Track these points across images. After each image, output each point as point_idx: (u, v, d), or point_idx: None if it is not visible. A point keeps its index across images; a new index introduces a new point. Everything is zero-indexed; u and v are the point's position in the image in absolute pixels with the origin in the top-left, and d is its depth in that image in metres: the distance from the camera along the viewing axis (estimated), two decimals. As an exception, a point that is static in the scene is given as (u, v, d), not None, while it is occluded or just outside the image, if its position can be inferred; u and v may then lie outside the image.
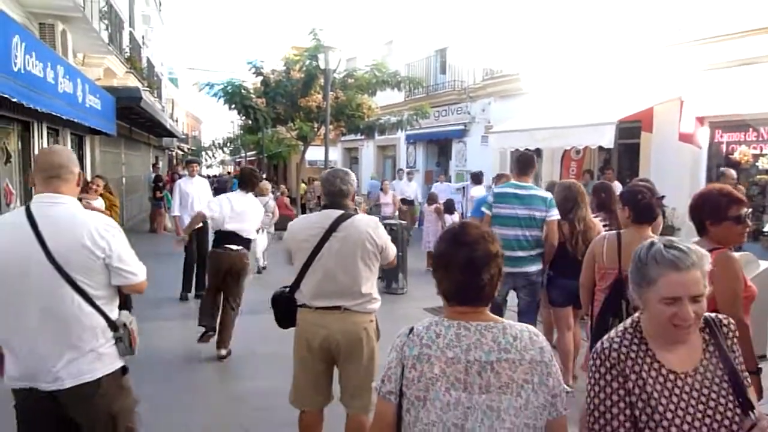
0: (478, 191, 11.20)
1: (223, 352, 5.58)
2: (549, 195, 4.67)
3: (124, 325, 2.46)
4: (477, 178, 11.80)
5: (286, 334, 6.15)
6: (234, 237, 5.57)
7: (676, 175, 9.61)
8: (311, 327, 3.10)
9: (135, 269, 2.44)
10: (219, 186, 22.35)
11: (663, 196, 3.93)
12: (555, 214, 4.53)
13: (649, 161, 10.64)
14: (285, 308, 3.22)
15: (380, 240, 3.12)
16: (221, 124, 46.69)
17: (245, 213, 5.61)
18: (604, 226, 4.73)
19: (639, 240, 3.14)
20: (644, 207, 3.21)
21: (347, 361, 3.11)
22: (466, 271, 1.57)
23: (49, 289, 2.25)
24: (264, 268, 10.39)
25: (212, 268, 5.75)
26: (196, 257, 7.79)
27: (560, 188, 4.72)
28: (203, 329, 5.74)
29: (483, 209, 4.80)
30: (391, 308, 6.76)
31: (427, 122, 17.13)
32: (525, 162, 4.88)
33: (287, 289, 3.23)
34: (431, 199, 10.85)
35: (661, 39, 10.15)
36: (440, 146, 19.03)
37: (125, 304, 2.71)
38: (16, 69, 5.22)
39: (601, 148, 10.76)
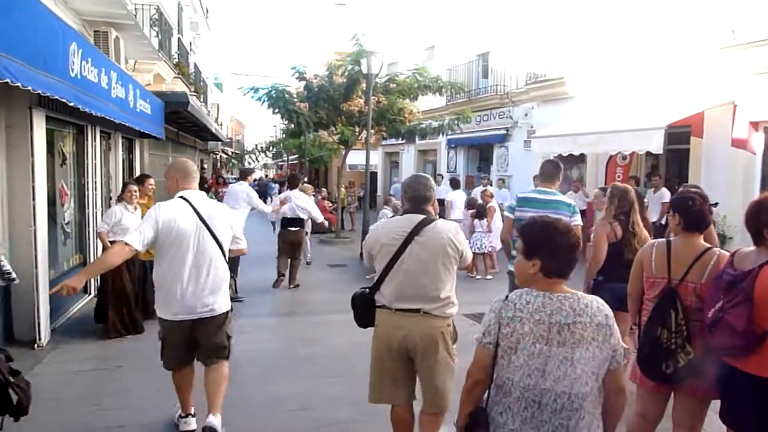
0: (455, 196, 12.13)
1: (291, 285, 9.02)
2: (573, 201, 4.80)
3: (231, 276, 3.98)
4: (455, 183, 12.67)
5: (325, 336, 6.31)
6: (295, 221, 9.10)
7: (728, 183, 9.30)
8: (390, 328, 3.20)
9: (244, 240, 4.12)
10: (260, 189, 22.70)
11: (716, 204, 3.80)
12: (578, 221, 4.62)
13: (699, 168, 10.32)
14: (364, 308, 3.32)
15: (461, 245, 3.22)
16: (264, 128, 47.45)
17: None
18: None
19: (691, 249, 3.07)
20: (696, 214, 3.11)
21: (424, 363, 3.20)
22: (562, 252, 2.04)
23: (209, 249, 3.67)
24: (309, 263, 11.44)
25: (283, 242, 9.12)
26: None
27: (617, 190, 4.67)
28: (280, 278, 9.09)
29: (506, 213, 4.94)
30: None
31: (468, 127, 17.04)
32: (550, 169, 4.93)
33: (367, 290, 3.34)
34: (470, 204, 10.79)
35: (713, 41, 9.84)
36: (481, 151, 18.91)
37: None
38: (73, 74, 5.42)
39: (648, 153, 10.49)
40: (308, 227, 10.97)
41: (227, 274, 3.84)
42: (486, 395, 2.14)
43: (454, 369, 3.24)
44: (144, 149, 13.00)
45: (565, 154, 11.30)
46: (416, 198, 3.26)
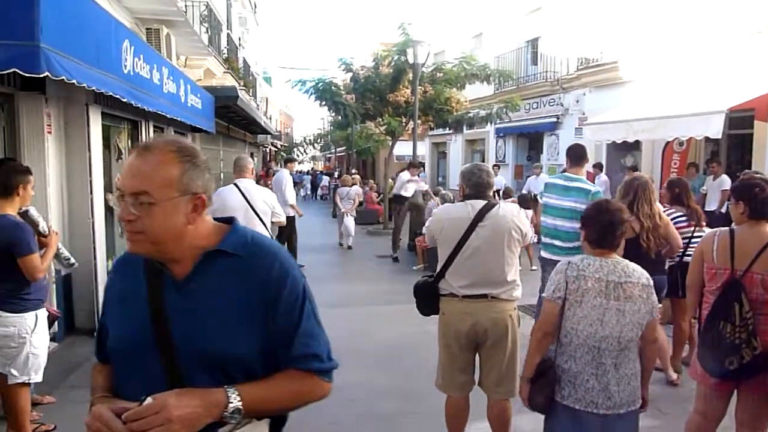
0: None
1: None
2: (595, 188, 4.76)
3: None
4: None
5: (371, 328, 6.30)
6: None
7: (795, 168, 8.78)
8: (459, 315, 3.21)
9: (283, 215, 5.57)
10: (313, 179, 23.05)
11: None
12: None
13: (763, 154, 9.77)
14: (428, 297, 3.34)
15: (524, 227, 3.25)
16: (312, 121, 47.99)
17: None
18: (682, 219, 4.65)
19: (757, 238, 2.88)
20: (763, 201, 2.91)
21: (493, 348, 3.21)
22: (609, 227, 2.52)
23: (252, 221, 4.94)
24: (350, 247, 12.37)
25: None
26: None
27: (624, 182, 4.53)
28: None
29: (539, 199, 5.11)
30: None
31: (517, 115, 16.72)
32: (576, 153, 4.97)
33: (431, 278, 3.36)
34: (507, 193, 10.60)
35: (779, 19, 9.28)
36: (531, 140, 18.53)
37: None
38: (126, 71, 5.55)
39: (707, 139, 10.03)
40: (351, 222, 12.41)
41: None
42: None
43: (520, 353, 3.22)
44: (196, 143, 13.30)
45: (619, 141, 10.93)
46: (479, 184, 3.30)
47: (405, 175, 11.24)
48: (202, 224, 1.42)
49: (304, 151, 23.52)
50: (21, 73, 3.68)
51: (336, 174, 28.68)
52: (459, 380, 3.31)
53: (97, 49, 4.79)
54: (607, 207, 2.60)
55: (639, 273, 2.50)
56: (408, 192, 11.09)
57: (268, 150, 37.94)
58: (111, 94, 5.12)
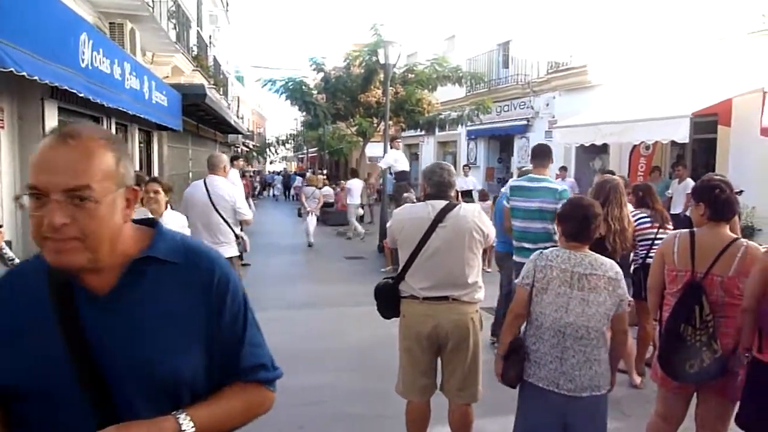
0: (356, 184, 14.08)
1: None
2: (561, 187, 4.75)
3: (242, 237, 5.59)
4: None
5: (341, 329, 6.21)
6: None
7: (757, 173, 8.95)
8: (419, 317, 3.14)
9: (247, 212, 5.67)
10: (284, 180, 22.85)
11: (741, 191, 3.59)
12: None
13: (726, 158, 9.97)
14: (389, 299, 3.28)
15: (485, 227, 3.18)
16: (285, 121, 47.58)
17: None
18: (646, 220, 4.68)
19: (717, 240, 2.88)
20: (723, 203, 2.90)
21: (455, 351, 3.14)
22: (584, 221, 2.65)
23: (213, 215, 5.34)
24: (311, 244, 12.83)
25: None
26: None
27: (595, 185, 4.55)
28: None
29: (504, 202, 5.01)
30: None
31: (488, 118, 16.78)
32: (540, 153, 4.92)
33: (390, 280, 3.29)
34: (483, 195, 10.66)
35: (741, 27, 9.47)
36: (502, 142, 18.63)
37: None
38: (83, 65, 5.36)
39: (673, 143, 10.17)
40: (314, 221, 13.11)
41: (228, 232, 5.45)
42: (521, 331, 2.78)
43: (481, 357, 3.21)
44: (163, 141, 13.03)
45: (587, 144, 11.04)
46: (440, 183, 3.23)
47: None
48: (127, 226, 1.22)
49: (275, 152, 23.23)
50: (-36, 64, 3.52)
51: (307, 174, 28.55)
52: (420, 384, 3.22)
53: (52, 42, 4.61)
54: (581, 203, 2.77)
55: (607, 267, 2.62)
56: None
57: (239, 150, 37.52)
58: (66, 88, 4.94)
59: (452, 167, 3.40)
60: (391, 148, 11.00)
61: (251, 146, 37.81)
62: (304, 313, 7.08)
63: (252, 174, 29.25)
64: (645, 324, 4.79)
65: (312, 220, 13.10)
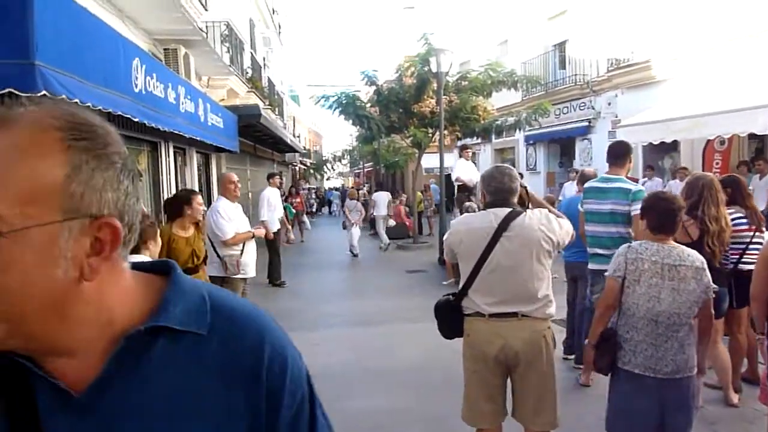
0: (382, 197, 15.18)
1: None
2: (636, 187, 4.32)
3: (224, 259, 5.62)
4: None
5: (400, 347, 5.98)
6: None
7: None
8: (486, 337, 2.90)
9: (221, 232, 5.65)
10: (341, 195, 23.09)
11: None
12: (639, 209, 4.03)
13: (814, 148, 9.16)
14: (449, 318, 3.04)
15: (555, 236, 2.91)
16: (341, 137, 48.10)
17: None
18: (742, 221, 4.21)
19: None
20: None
21: (526, 373, 2.89)
22: (668, 213, 2.78)
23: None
24: (357, 255, 13.46)
25: None
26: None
27: (686, 182, 4.12)
28: None
29: (578, 206, 4.63)
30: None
31: (547, 121, 16.26)
32: (615, 152, 4.52)
33: (451, 296, 3.06)
34: (549, 201, 10.16)
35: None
36: (562, 145, 18.04)
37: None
38: (137, 90, 5.42)
39: (752, 136, 9.44)
40: (358, 232, 13.71)
41: (212, 254, 5.55)
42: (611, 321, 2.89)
43: (555, 378, 2.96)
44: (221, 163, 13.28)
45: (656, 143, 10.43)
46: (500, 190, 2.97)
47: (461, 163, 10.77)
48: (114, 280, 0.76)
49: (331, 168, 23.40)
50: (17, 93, 3.55)
51: (365, 189, 28.56)
52: (487, 409, 2.95)
53: (104, 68, 4.66)
54: (664, 196, 2.93)
55: (693, 257, 2.75)
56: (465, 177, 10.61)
57: (297, 168, 38.11)
58: (120, 113, 4.99)
59: (514, 170, 3.12)
60: (461, 157, 10.53)
61: (308, 164, 38.39)
62: (360, 330, 6.89)
63: (308, 191, 29.53)
64: (737, 334, 4.34)
65: (356, 232, 13.67)
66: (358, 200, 14.99)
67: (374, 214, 15.53)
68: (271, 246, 9.75)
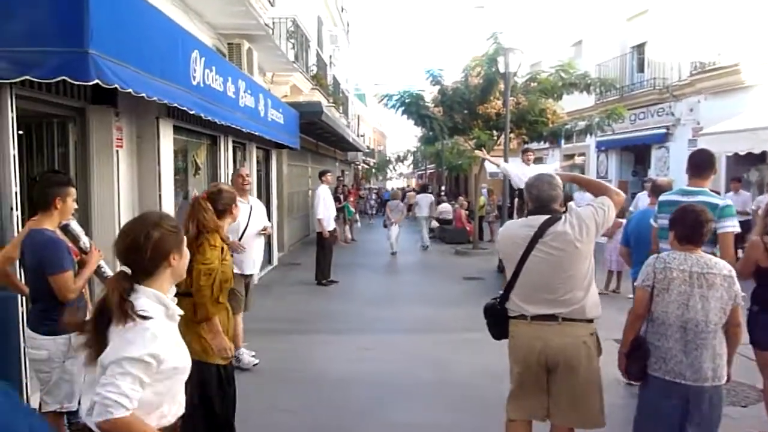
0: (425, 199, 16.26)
1: None
2: (723, 201, 3.86)
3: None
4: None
5: (455, 358, 5.73)
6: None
7: None
8: (526, 340, 3.04)
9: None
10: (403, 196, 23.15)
11: None
12: (729, 226, 3.70)
13: None
14: (496, 320, 3.22)
15: (586, 233, 2.94)
16: (406, 138, 47.98)
17: None
18: None
19: None
20: None
21: (564, 377, 2.99)
22: (696, 225, 2.95)
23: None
24: (395, 252, 14.16)
25: None
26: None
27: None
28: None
29: (651, 221, 4.28)
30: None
31: (621, 127, 15.55)
32: (697, 162, 4.07)
33: (498, 299, 3.23)
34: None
35: None
36: (637, 153, 17.21)
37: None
38: (195, 82, 5.43)
39: None
40: (396, 230, 14.30)
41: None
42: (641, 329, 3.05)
43: (601, 386, 3.03)
44: (282, 160, 13.39)
45: (742, 153, 9.70)
46: (540, 198, 3.10)
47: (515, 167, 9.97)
48: None
49: (393, 168, 23.24)
50: (71, 81, 3.56)
51: (429, 191, 28.28)
52: (527, 404, 3.10)
53: (161, 59, 4.65)
54: (692, 208, 3.05)
55: (721, 266, 2.90)
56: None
57: (360, 167, 38.28)
58: (176, 105, 4.99)
59: (557, 178, 3.16)
60: (522, 161, 10.01)
61: (372, 163, 38.48)
62: (413, 338, 6.68)
63: (368, 191, 29.46)
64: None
65: (395, 230, 14.36)
66: (401, 200, 15.90)
67: (417, 215, 16.42)
68: (322, 244, 9.70)
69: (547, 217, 3.00)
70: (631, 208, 12.11)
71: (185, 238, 2.03)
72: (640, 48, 16.38)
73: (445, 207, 17.93)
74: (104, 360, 1.73)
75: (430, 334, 6.83)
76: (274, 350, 6.04)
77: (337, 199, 15.14)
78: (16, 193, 3.95)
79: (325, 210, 9.63)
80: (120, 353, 1.72)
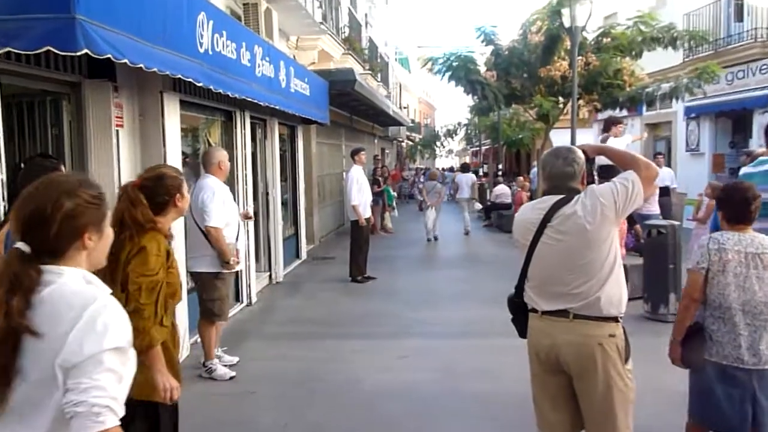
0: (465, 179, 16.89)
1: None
2: None
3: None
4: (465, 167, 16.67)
5: (502, 367, 5.69)
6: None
7: None
8: (537, 335, 3.09)
9: (209, 219, 5.47)
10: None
11: None
12: None
13: None
14: (516, 313, 3.28)
15: (596, 214, 2.84)
16: (457, 109, 47.63)
17: None
18: None
19: None
20: None
21: (580, 383, 2.99)
22: (743, 203, 3.27)
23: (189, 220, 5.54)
24: (432, 239, 14.83)
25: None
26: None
27: None
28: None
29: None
30: (657, 343, 5.53)
31: (714, 89, 15.06)
32: None
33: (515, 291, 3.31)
34: (712, 188, 9.02)
35: None
36: (735, 120, 16.65)
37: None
38: (202, 50, 5.48)
39: None
40: (433, 214, 14.91)
41: (202, 243, 5.48)
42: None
43: (627, 397, 2.93)
44: (311, 137, 13.49)
45: None
46: (554, 175, 3.07)
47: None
48: None
49: (441, 145, 23.19)
50: (56, 51, 3.63)
51: (481, 172, 27.99)
52: (552, 419, 3.08)
53: (162, 24, 4.70)
54: (738, 186, 3.43)
55: None
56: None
57: (403, 144, 38.28)
58: (181, 77, 5.06)
59: (576, 152, 3.09)
60: (608, 135, 9.24)
61: (417, 139, 38.43)
62: (458, 343, 6.63)
63: (416, 172, 29.31)
64: None
65: (431, 214, 14.79)
66: (441, 181, 16.70)
67: (458, 197, 17.18)
68: (357, 235, 9.71)
69: (560, 197, 2.97)
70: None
71: (108, 214, 1.82)
72: (738, -8, 15.79)
73: (503, 189, 17.72)
74: (71, 359, 1.54)
75: (478, 338, 6.75)
76: (300, 358, 6.12)
77: (375, 182, 15.20)
78: (2, 181, 4.08)
79: (360, 195, 9.65)
80: (96, 346, 1.55)
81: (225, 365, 5.73)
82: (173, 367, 3.07)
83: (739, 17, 15.78)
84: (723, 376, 3.16)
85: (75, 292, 1.63)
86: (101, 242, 1.76)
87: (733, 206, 3.27)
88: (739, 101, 15.33)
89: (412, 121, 39.16)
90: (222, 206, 5.54)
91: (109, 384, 1.54)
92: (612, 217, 2.86)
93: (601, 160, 9.77)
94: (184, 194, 3.31)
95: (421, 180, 25.86)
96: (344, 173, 16.94)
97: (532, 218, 3.04)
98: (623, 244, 7.17)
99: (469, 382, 5.45)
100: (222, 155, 5.82)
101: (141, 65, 4.28)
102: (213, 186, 5.59)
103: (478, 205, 18.34)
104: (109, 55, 3.84)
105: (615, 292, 2.92)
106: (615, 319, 2.93)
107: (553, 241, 2.95)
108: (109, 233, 1.81)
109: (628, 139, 10.13)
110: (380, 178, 16.37)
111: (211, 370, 5.54)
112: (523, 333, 3.23)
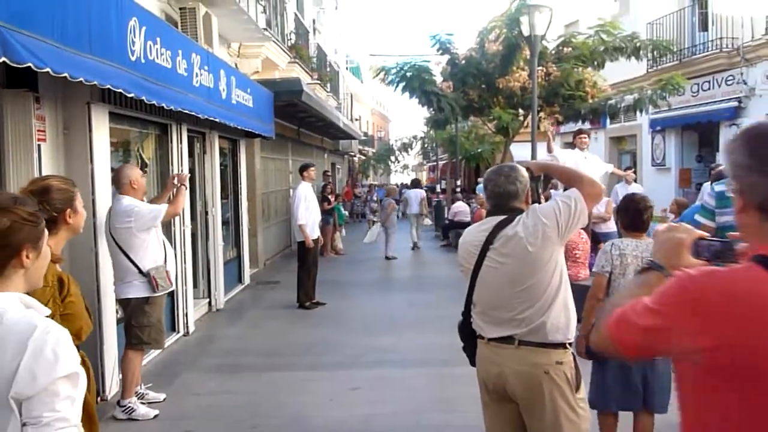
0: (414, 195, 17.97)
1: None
2: None
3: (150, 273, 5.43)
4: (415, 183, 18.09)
5: (467, 398, 5.69)
6: None
7: None
8: (485, 363, 3.16)
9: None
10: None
11: None
12: None
13: None
14: (465, 340, 3.33)
15: (539, 236, 2.91)
16: (413, 121, 48.11)
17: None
18: None
19: None
20: None
21: (527, 414, 3.06)
22: (638, 213, 4.12)
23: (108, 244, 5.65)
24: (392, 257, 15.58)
25: None
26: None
27: None
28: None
29: (698, 218, 4.52)
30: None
31: (679, 100, 15.66)
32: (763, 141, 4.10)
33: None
34: (678, 205, 9.47)
35: None
36: (701, 133, 17.27)
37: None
38: (133, 58, 5.47)
39: None
40: (375, 232, 16.49)
41: (126, 266, 5.42)
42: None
43: (580, 427, 3.00)
44: (254, 152, 13.44)
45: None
46: (496, 194, 3.14)
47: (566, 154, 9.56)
48: None
49: (396, 159, 23.33)
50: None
51: (439, 188, 28.23)
52: None
53: (89, 30, 4.70)
54: (633, 197, 4.30)
55: None
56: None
57: (356, 159, 38.40)
58: (110, 87, 5.03)
59: (519, 169, 3.17)
60: (573, 147, 9.36)
61: (370, 154, 38.59)
62: (416, 372, 6.68)
63: (368, 188, 29.30)
64: None
65: (374, 230, 16.53)
66: (398, 198, 18.00)
67: (407, 212, 18.23)
68: (306, 257, 9.71)
69: (502, 218, 3.04)
70: (698, 202, 12.13)
71: (46, 232, 1.88)
72: (702, 1, 16.43)
73: (461, 206, 17.88)
74: (25, 391, 1.61)
75: (438, 367, 6.80)
76: (242, 392, 6.07)
77: (325, 200, 15.20)
78: None
79: (308, 213, 9.65)
80: (49, 376, 1.62)
81: (146, 403, 5.58)
82: (88, 413, 2.72)
83: (704, 26, 16.40)
84: (619, 370, 3.91)
85: (15, 321, 1.68)
86: (39, 261, 1.84)
87: (629, 216, 4.11)
88: (706, 113, 15.88)
89: (365, 134, 39.36)
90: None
91: (69, 412, 1.64)
92: (555, 237, 2.93)
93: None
94: (77, 209, 3.15)
95: (374, 198, 25.61)
96: (291, 190, 16.92)
97: (475, 241, 3.12)
98: (587, 265, 7.36)
99: (427, 414, 5.49)
100: (133, 173, 5.62)
101: (65, 74, 4.27)
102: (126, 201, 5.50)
103: (428, 221, 19.47)
104: (29, 64, 3.82)
105: (561, 316, 2.98)
106: (563, 345, 2.98)
107: (497, 264, 3.01)
108: (46, 252, 1.88)
109: (610, 167, 10.14)
110: (329, 196, 16.37)
111: (130, 410, 5.36)
112: (473, 361, 3.28)
